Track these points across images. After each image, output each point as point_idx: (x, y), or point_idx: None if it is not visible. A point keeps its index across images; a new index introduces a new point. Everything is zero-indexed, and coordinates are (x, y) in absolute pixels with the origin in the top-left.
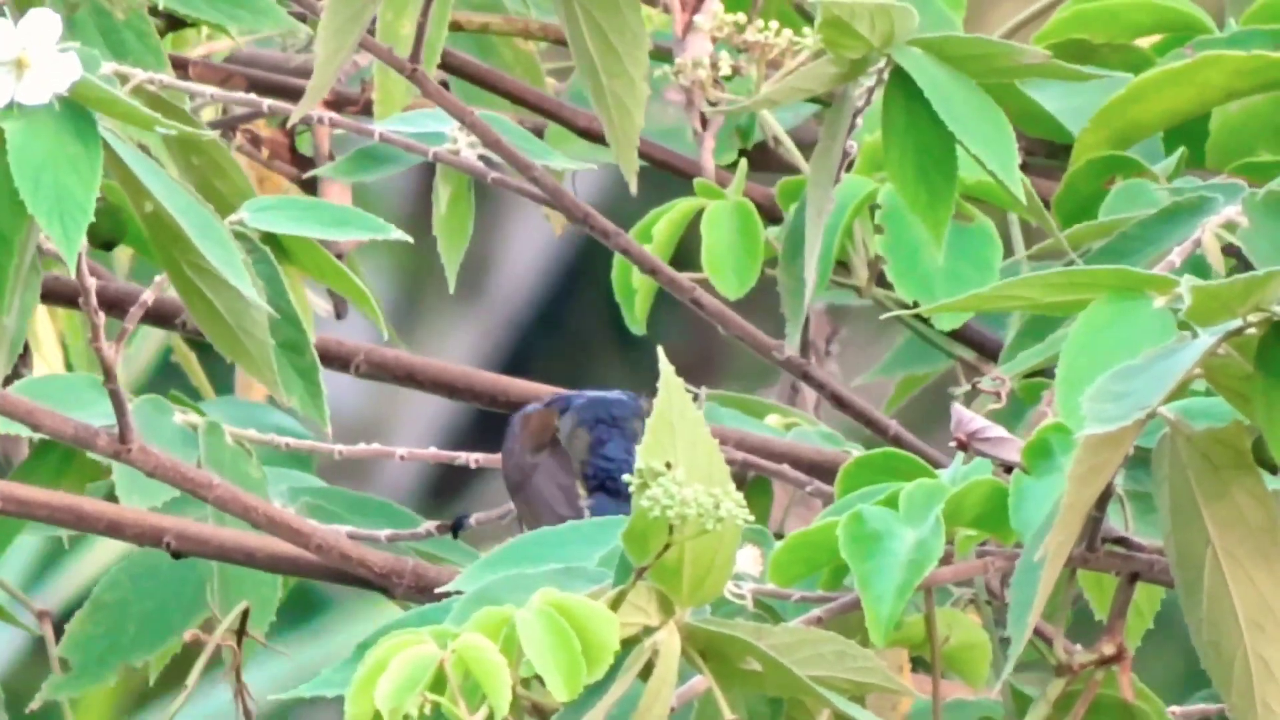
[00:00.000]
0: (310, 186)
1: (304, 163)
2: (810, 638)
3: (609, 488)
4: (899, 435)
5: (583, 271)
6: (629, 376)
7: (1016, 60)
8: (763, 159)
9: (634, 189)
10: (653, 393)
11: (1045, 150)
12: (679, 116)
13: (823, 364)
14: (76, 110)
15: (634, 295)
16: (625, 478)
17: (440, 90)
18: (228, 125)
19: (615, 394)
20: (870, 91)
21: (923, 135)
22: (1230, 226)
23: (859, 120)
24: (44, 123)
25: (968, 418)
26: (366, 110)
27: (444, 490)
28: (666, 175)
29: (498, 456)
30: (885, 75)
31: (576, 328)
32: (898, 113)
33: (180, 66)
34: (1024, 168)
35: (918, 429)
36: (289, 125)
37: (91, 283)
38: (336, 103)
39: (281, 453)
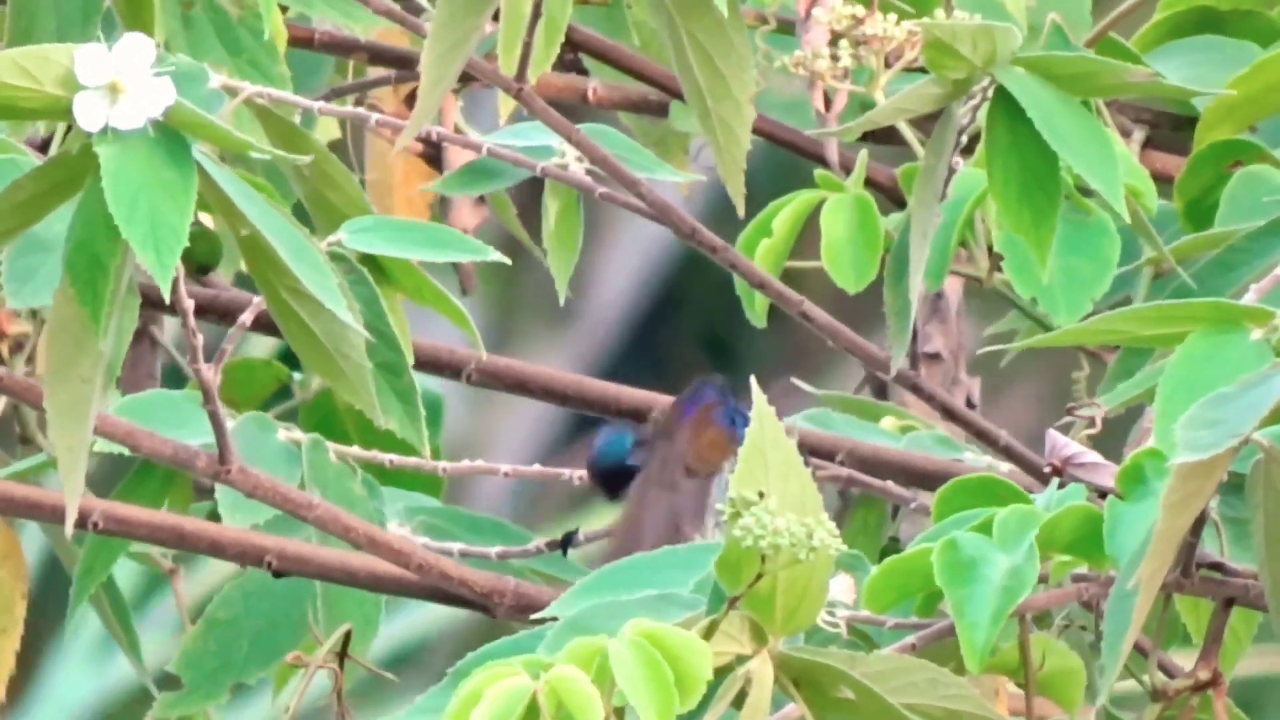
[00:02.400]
0: (437, 162)
1: (429, 142)
2: (903, 665)
3: None
4: (1009, 445)
5: (675, 293)
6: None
7: (1122, 79)
8: (889, 133)
9: (741, 212)
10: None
11: (1171, 123)
12: (801, 89)
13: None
14: (171, 135)
15: (753, 292)
16: (718, 506)
17: (546, 108)
18: (351, 91)
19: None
20: (975, 110)
21: (1026, 155)
22: None
23: (963, 139)
24: (138, 148)
25: (1062, 443)
26: None
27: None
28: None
29: None
30: (988, 94)
31: (668, 350)
32: (1001, 132)
33: (306, 40)
34: (1148, 143)
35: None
36: (395, 149)
37: (189, 305)
38: (462, 77)
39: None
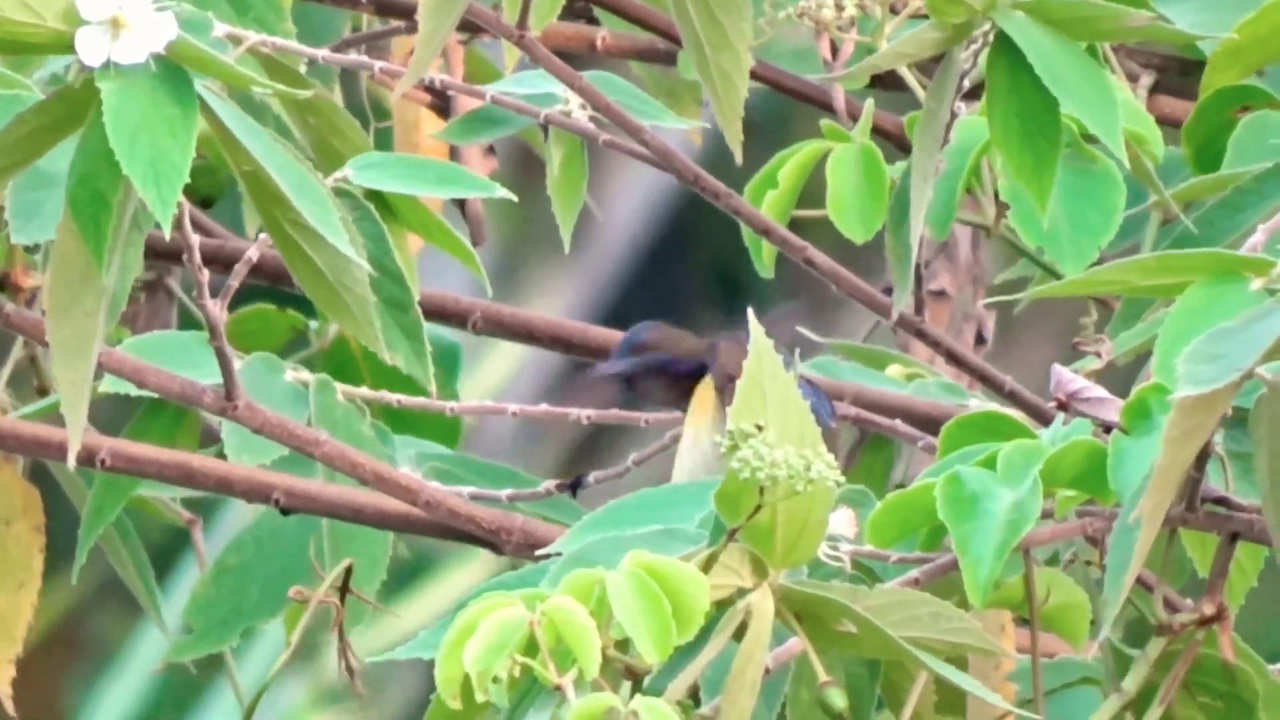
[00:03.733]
0: (446, 114)
1: (437, 91)
2: (906, 599)
3: None
4: (1014, 390)
5: (684, 229)
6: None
7: (1122, 23)
8: (896, 80)
9: (739, 159)
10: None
11: (1179, 67)
12: (808, 37)
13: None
14: (173, 70)
15: (760, 242)
16: (715, 439)
17: (548, 55)
18: (358, 43)
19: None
20: (975, 55)
21: (1026, 100)
22: None
23: (965, 84)
24: (140, 83)
25: (1068, 378)
26: None
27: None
28: (778, 112)
29: (610, 413)
30: (989, 39)
31: (677, 285)
32: (1001, 77)
33: None
34: (1156, 86)
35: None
36: (394, 96)
37: (195, 239)
38: (469, 26)
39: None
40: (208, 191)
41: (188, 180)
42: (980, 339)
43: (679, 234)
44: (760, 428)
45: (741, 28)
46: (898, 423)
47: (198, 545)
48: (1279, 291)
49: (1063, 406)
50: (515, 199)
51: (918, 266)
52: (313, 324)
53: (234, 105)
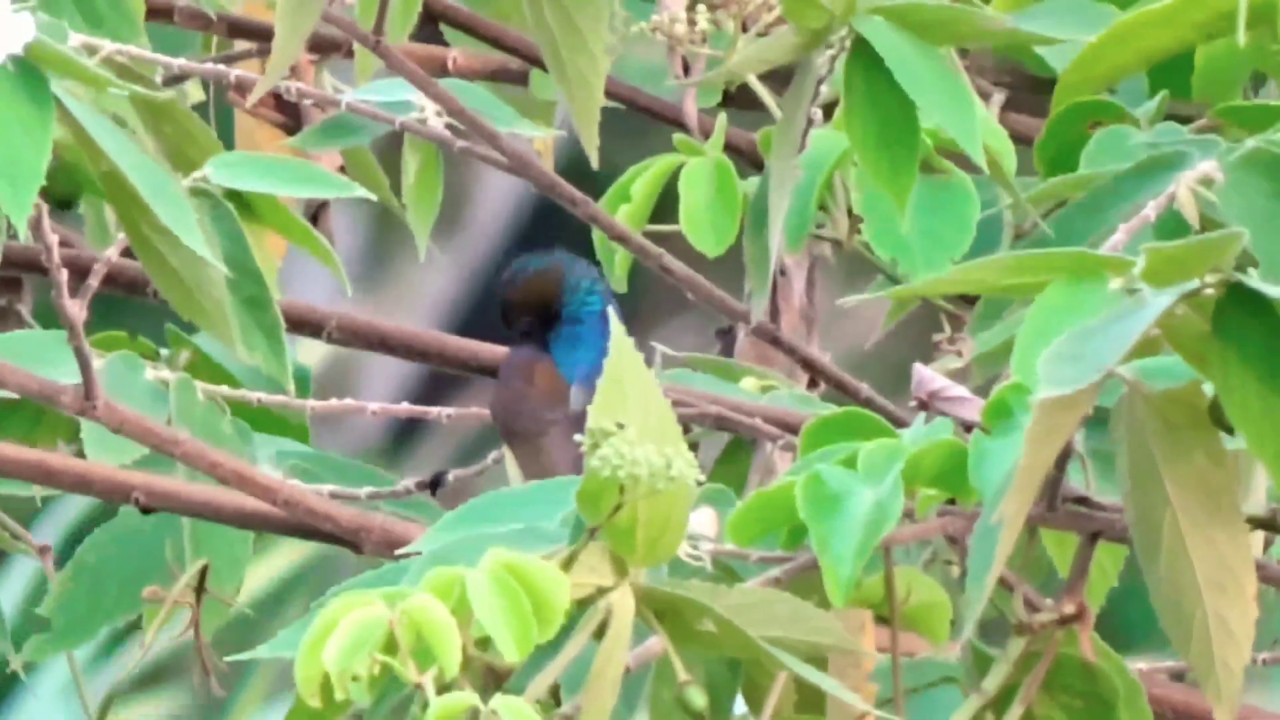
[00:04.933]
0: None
1: (289, 109)
2: (766, 599)
3: None
4: (870, 399)
5: (556, 213)
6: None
7: (980, 26)
8: (748, 98)
9: (595, 164)
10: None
11: (1031, 84)
12: (661, 56)
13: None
14: (30, 71)
15: (614, 255)
16: (577, 438)
17: (403, 61)
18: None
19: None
20: (833, 60)
21: (884, 104)
22: (1206, 181)
23: (823, 89)
24: None
25: (929, 377)
26: (353, 54)
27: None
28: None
29: (469, 411)
30: (847, 44)
31: None
32: (859, 82)
33: (165, 13)
34: (1008, 104)
35: (895, 394)
36: (249, 102)
37: (53, 240)
38: (322, 48)
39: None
40: (66, 193)
41: (44, 182)
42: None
43: (552, 218)
44: (621, 426)
45: (597, 30)
46: (758, 421)
47: (49, 572)
48: (1139, 291)
49: (924, 406)
50: (375, 198)
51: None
52: (164, 351)
53: (91, 107)
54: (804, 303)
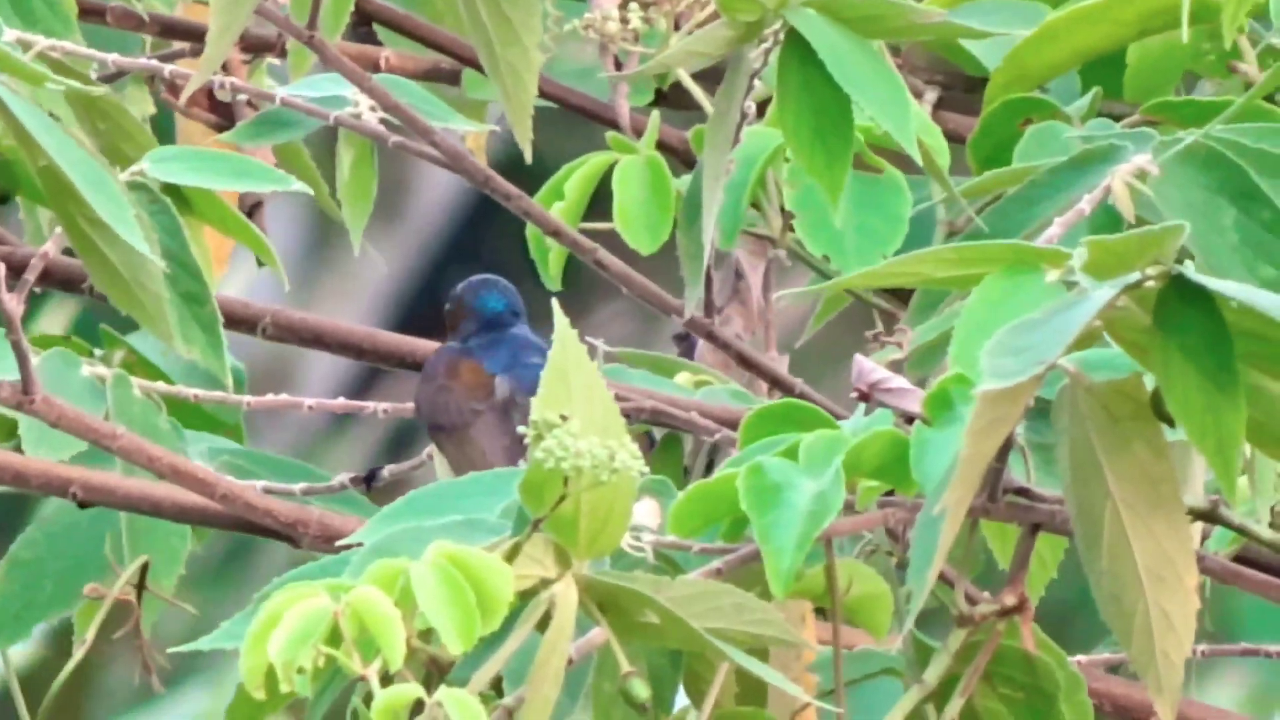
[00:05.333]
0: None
1: (223, 109)
2: (708, 590)
3: None
4: (805, 393)
5: (495, 208)
6: (545, 304)
7: (913, 20)
8: (682, 98)
9: (529, 158)
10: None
11: (964, 84)
12: (593, 56)
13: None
14: None
15: (548, 252)
16: (520, 429)
17: (338, 56)
18: (144, 74)
19: (537, 347)
20: (767, 53)
21: (818, 97)
22: (1141, 175)
23: (756, 82)
24: None
25: (869, 368)
26: (285, 54)
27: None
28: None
29: (405, 406)
30: (780, 37)
31: (492, 255)
32: (792, 75)
33: (98, 13)
34: (941, 103)
35: (827, 389)
36: (183, 97)
37: None
38: (255, 47)
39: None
40: (3, 188)
41: None
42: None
43: (491, 212)
44: (564, 418)
45: (530, 23)
46: (694, 415)
47: None
48: (1076, 284)
49: (864, 397)
50: (311, 192)
51: (708, 271)
52: (98, 351)
53: (26, 100)
54: (762, 305)
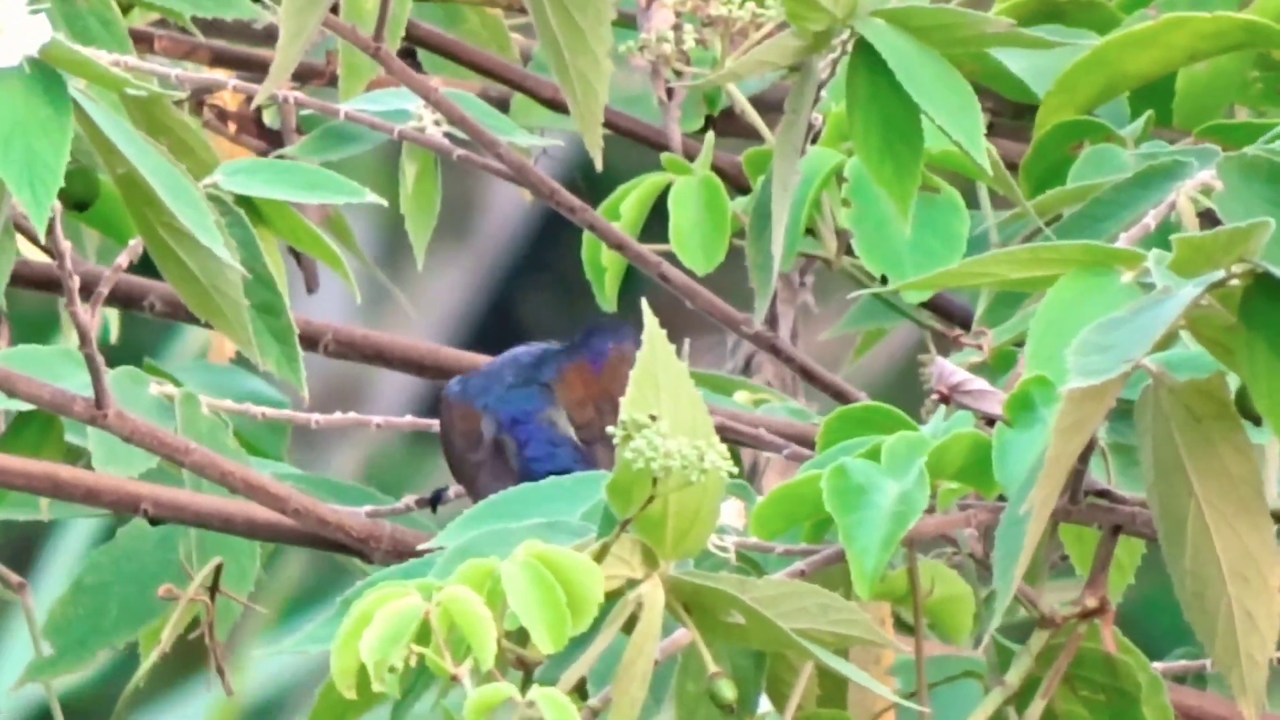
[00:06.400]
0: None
1: (271, 136)
2: (794, 590)
3: None
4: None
5: (565, 223)
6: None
7: (981, 30)
8: (731, 125)
9: (599, 165)
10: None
11: (1011, 111)
12: (645, 83)
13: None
14: (47, 73)
15: (604, 272)
16: (608, 430)
17: (404, 68)
18: (194, 98)
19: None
20: (835, 63)
21: (887, 107)
22: (1205, 190)
23: (824, 93)
24: (13, 86)
25: (949, 370)
26: (333, 82)
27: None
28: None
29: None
30: (849, 47)
31: (563, 268)
32: (861, 85)
33: (145, 40)
34: (990, 129)
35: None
36: (254, 104)
37: (66, 246)
38: (302, 75)
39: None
40: (82, 195)
41: (62, 184)
42: None
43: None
44: (654, 418)
45: (600, 32)
46: (761, 431)
47: (27, 609)
48: (1151, 285)
49: (944, 399)
50: (385, 204)
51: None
52: None
53: (106, 107)
54: (795, 330)
